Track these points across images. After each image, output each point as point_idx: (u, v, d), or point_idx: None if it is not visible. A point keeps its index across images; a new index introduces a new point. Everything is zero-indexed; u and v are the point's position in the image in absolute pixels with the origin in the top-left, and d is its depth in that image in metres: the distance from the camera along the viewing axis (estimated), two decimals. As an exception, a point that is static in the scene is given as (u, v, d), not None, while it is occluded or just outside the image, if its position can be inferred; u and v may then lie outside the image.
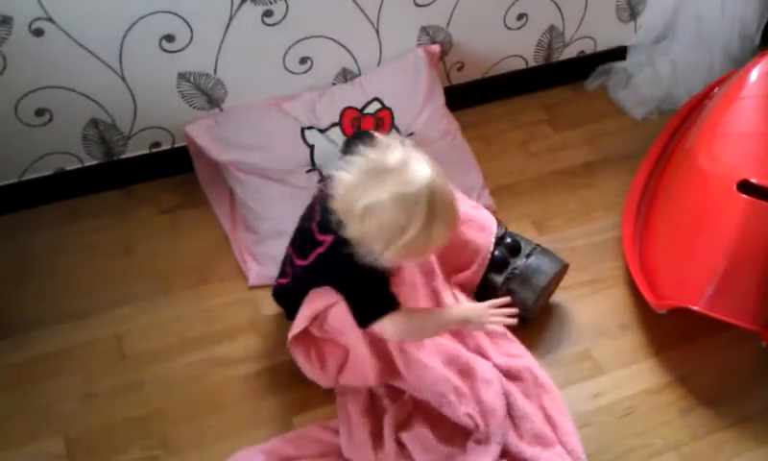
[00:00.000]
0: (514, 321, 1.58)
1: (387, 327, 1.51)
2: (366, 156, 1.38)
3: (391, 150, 1.38)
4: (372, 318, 1.51)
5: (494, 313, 1.57)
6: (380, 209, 1.34)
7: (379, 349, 1.61)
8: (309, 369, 1.64)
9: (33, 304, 1.82)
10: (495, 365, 1.66)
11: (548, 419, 1.61)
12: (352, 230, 1.39)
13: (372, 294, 1.51)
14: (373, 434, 1.57)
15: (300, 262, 1.61)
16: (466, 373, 1.63)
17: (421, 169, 1.36)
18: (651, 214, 1.95)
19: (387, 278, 1.51)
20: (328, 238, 1.49)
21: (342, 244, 1.42)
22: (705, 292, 1.67)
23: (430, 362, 1.60)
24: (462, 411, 1.57)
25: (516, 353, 1.70)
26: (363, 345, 1.58)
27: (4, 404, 1.65)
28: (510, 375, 1.65)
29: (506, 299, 1.62)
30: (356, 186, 1.37)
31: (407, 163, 1.36)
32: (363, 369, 1.62)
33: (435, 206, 1.34)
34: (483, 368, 1.63)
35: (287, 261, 1.68)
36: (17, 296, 1.84)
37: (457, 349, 1.66)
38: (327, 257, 1.51)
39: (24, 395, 1.66)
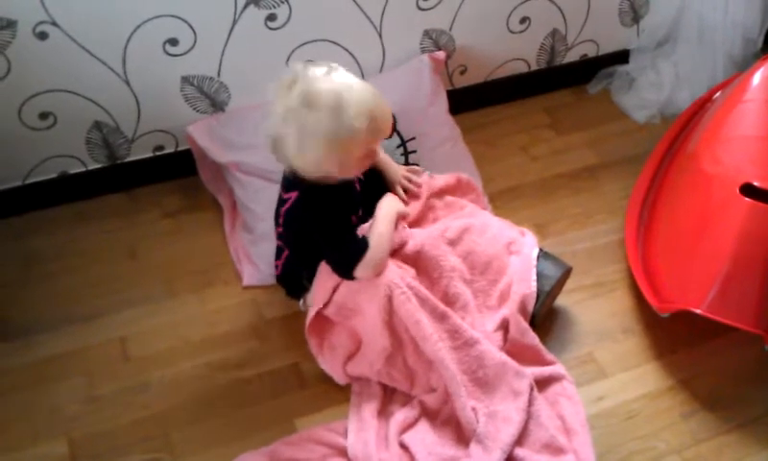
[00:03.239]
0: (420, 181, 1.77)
1: (363, 271, 1.59)
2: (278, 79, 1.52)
3: (294, 65, 1.52)
4: (351, 264, 1.59)
5: (401, 188, 1.75)
6: (295, 112, 1.47)
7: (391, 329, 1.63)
8: (323, 362, 1.69)
9: (37, 307, 1.83)
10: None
11: (566, 428, 1.60)
12: (287, 154, 1.51)
13: (343, 240, 1.60)
14: (379, 435, 1.57)
15: (278, 230, 1.69)
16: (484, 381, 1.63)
17: (319, 68, 1.50)
18: (653, 218, 1.95)
19: (350, 222, 1.65)
20: (293, 194, 1.61)
21: (305, 197, 1.57)
22: (707, 295, 1.67)
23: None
24: (469, 404, 1.58)
25: (549, 360, 1.70)
26: (377, 319, 1.61)
27: (8, 407, 1.65)
28: (537, 381, 1.65)
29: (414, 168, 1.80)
30: (276, 108, 1.50)
31: (306, 70, 1.50)
32: (372, 353, 1.64)
33: (342, 96, 1.46)
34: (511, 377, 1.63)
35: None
36: (21, 299, 1.84)
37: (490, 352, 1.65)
38: (293, 212, 1.62)
39: (28, 397, 1.67)
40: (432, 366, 1.61)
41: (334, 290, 1.64)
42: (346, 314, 1.66)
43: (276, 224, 1.71)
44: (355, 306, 1.64)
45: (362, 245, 1.59)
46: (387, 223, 1.65)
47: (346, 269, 1.60)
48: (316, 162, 1.51)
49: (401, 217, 1.70)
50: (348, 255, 1.60)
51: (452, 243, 1.72)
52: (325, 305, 1.65)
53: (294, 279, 1.76)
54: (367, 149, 1.56)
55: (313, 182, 1.57)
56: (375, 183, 1.77)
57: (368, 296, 1.61)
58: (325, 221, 1.60)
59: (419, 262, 1.68)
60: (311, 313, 1.67)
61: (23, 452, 1.58)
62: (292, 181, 1.60)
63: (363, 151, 1.55)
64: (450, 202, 1.83)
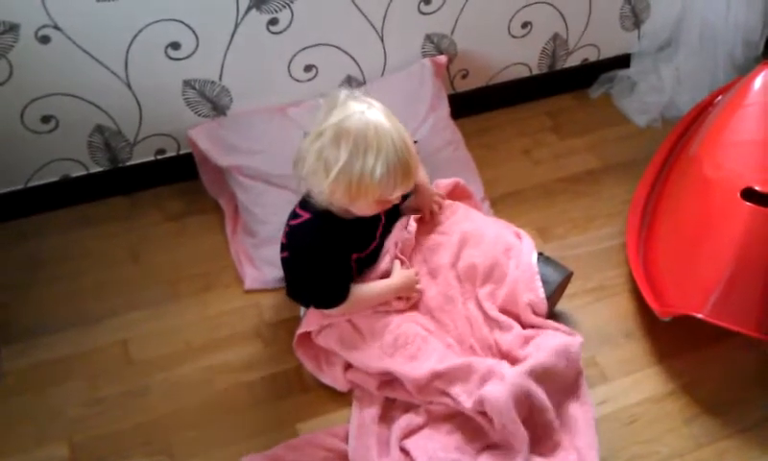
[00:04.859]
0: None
1: (337, 311, 1.64)
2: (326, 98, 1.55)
3: (340, 91, 1.54)
4: (327, 305, 1.64)
5: (414, 281, 1.70)
6: (324, 137, 1.50)
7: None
8: (324, 378, 1.70)
9: (38, 311, 1.83)
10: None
11: (571, 426, 1.61)
12: (302, 171, 1.55)
13: (328, 281, 1.63)
14: (380, 441, 1.57)
15: (283, 240, 1.71)
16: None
17: (359, 103, 1.51)
18: (655, 222, 1.95)
19: (346, 261, 1.67)
20: (306, 214, 1.62)
21: (315, 221, 1.59)
22: (709, 300, 1.67)
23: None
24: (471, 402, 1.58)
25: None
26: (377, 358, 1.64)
27: (10, 410, 1.65)
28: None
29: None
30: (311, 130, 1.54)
31: (348, 100, 1.51)
32: (367, 375, 1.66)
33: (367, 137, 1.47)
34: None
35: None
36: (23, 302, 1.85)
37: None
38: (297, 230, 1.63)
39: (30, 400, 1.67)
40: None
41: (325, 326, 1.67)
42: (340, 343, 1.68)
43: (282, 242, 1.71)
44: (352, 343, 1.67)
45: (341, 295, 1.64)
46: (386, 294, 1.68)
47: (317, 305, 1.66)
48: (326, 190, 1.52)
49: (407, 296, 1.70)
50: (324, 297, 1.65)
51: (453, 265, 1.74)
52: (317, 333, 1.68)
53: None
54: (381, 197, 1.55)
55: (324, 210, 1.58)
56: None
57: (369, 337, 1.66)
58: (317, 254, 1.61)
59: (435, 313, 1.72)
60: (298, 332, 1.69)
61: (25, 455, 1.58)
62: (308, 202, 1.62)
63: (376, 198, 1.54)
64: (446, 205, 1.83)
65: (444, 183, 1.86)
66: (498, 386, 1.52)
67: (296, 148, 1.59)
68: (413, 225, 1.75)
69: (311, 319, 1.68)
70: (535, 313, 1.71)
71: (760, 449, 1.63)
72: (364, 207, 1.57)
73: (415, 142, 1.97)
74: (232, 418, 1.65)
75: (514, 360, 1.64)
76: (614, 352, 1.79)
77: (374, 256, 1.73)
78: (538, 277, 1.73)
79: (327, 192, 1.52)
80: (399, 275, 1.70)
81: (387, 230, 1.76)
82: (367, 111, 1.50)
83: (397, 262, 1.73)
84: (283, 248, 1.70)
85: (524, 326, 1.71)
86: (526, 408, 1.54)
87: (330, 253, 1.62)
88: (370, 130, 1.48)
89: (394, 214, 1.77)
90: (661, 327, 1.79)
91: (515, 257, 1.76)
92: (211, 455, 1.59)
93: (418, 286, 1.72)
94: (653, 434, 1.65)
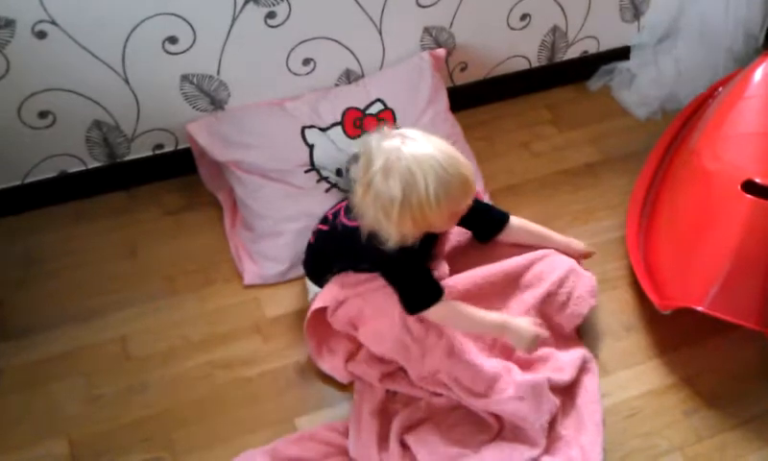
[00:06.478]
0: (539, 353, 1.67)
1: (432, 313, 1.59)
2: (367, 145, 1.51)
3: (372, 139, 1.50)
4: (421, 306, 1.58)
5: (535, 341, 1.59)
6: (374, 184, 1.47)
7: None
8: (322, 363, 1.70)
9: (37, 307, 1.83)
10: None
11: (577, 421, 1.61)
12: (366, 218, 1.51)
13: (419, 281, 1.59)
14: (380, 435, 1.57)
15: (321, 227, 1.71)
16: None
17: (406, 144, 1.48)
18: (655, 214, 1.95)
19: (428, 266, 1.64)
20: (354, 223, 1.59)
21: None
22: (709, 292, 1.67)
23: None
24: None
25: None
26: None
27: (9, 407, 1.65)
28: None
29: (545, 332, 1.63)
30: (359, 178, 1.51)
31: (380, 144, 1.48)
32: (370, 366, 1.66)
33: (411, 168, 1.44)
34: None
35: (331, 215, 1.72)
36: (21, 298, 1.84)
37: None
38: (356, 235, 1.57)
39: (29, 397, 1.67)
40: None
41: (340, 304, 1.65)
42: (353, 324, 1.67)
43: (347, 214, 1.65)
44: (364, 318, 1.66)
45: (438, 291, 1.58)
46: (490, 325, 1.61)
47: (415, 305, 1.59)
48: (393, 233, 1.49)
49: (529, 349, 1.61)
50: (422, 294, 1.59)
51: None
52: (332, 312, 1.66)
53: (317, 264, 1.76)
54: (449, 216, 1.53)
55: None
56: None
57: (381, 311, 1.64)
58: (400, 259, 1.57)
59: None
60: (312, 308, 1.67)
61: (23, 452, 1.58)
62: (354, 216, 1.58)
63: (446, 216, 1.52)
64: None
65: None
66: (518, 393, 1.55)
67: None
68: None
69: (327, 294, 1.66)
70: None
71: (761, 442, 1.62)
72: (439, 225, 1.56)
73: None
74: (232, 413, 1.65)
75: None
76: (615, 345, 1.78)
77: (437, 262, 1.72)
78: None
79: (396, 233, 1.49)
80: (519, 321, 1.61)
81: (438, 245, 1.74)
82: (402, 146, 1.47)
83: (527, 316, 1.66)
84: (319, 240, 1.70)
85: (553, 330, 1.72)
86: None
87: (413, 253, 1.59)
88: (410, 161, 1.45)
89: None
90: (662, 320, 1.79)
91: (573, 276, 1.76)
92: (211, 451, 1.59)
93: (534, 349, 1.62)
94: (653, 427, 1.64)
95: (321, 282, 1.73)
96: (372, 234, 1.53)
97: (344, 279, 1.67)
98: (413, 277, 1.60)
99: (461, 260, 1.76)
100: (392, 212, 1.47)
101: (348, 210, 1.61)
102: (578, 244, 1.82)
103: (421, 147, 1.48)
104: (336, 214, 1.69)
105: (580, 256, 1.82)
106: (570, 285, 1.73)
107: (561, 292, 1.72)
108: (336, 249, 1.69)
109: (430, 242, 1.66)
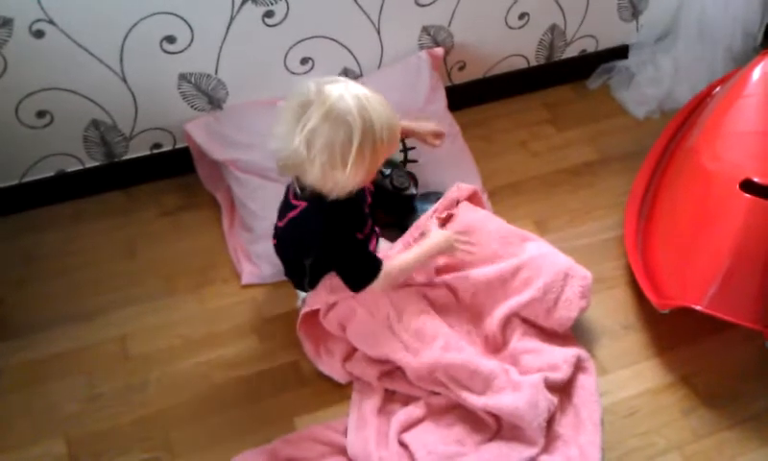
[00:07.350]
0: (475, 249, 1.71)
1: (377, 285, 1.62)
2: (286, 101, 1.49)
3: (303, 85, 1.48)
4: (363, 283, 1.62)
5: (458, 239, 1.69)
6: (319, 133, 1.43)
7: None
8: (321, 364, 1.70)
9: (35, 306, 1.82)
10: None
11: (576, 420, 1.61)
12: (311, 175, 1.48)
13: (356, 260, 1.62)
14: (379, 434, 1.57)
15: (278, 224, 1.68)
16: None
17: (334, 85, 1.46)
18: (653, 213, 1.95)
19: (361, 238, 1.65)
20: (301, 204, 1.58)
21: (313, 209, 1.55)
22: (707, 291, 1.67)
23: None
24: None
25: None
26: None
27: (8, 406, 1.65)
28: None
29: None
30: (290, 131, 1.46)
31: (321, 88, 1.46)
32: (368, 365, 1.66)
33: (367, 110, 1.45)
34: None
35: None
36: (20, 298, 1.84)
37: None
38: (298, 222, 1.60)
39: (28, 396, 1.67)
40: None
41: (331, 307, 1.66)
42: (344, 327, 1.68)
43: (278, 217, 1.67)
44: (353, 316, 1.67)
45: (376, 263, 1.62)
46: (423, 256, 1.66)
47: (358, 283, 1.63)
48: (345, 179, 1.47)
49: (449, 255, 1.70)
50: (361, 272, 1.62)
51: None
52: (324, 314, 1.67)
53: (298, 273, 1.75)
54: (381, 163, 1.55)
55: (330, 200, 1.54)
56: (382, 196, 1.80)
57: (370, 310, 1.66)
58: (340, 237, 1.60)
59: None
60: (302, 312, 1.68)
61: (22, 451, 1.58)
62: (305, 193, 1.56)
63: (379, 163, 1.54)
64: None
65: (464, 188, 1.85)
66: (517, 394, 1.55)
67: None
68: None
69: (316, 298, 1.67)
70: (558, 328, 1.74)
71: (759, 441, 1.63)
72: (367, 178, 1.55)
73: (412, 148, 1.97)
74: (230, 412, 1.65)
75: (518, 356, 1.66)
76: (613, 344, 1.78)
77: (370, 237, 1.72)
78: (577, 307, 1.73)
79: (345, 180, 1.48)
80: (436, 234, 1.68)
81: (372, 209, 1.74)
82: (347, 88, 1.46)
83: (434, 221, 1.73)
84: (287, 240, 1.68)
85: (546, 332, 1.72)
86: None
87: (350, 231, 1.62)
88: (363, 101, 1.46)
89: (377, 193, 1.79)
90: (660, 320, 1.79)
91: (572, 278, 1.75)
92: (209, 450, 1.59)
93: (462, 246, 1.70)
94: (651, 426, 1.65)
95: (300, 284, 1.75)
96: (315, 197, 1.53)
97: (332, 282, 1.67)
98: (352, 255, 1.62)
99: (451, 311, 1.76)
100: (347, 156, 1.44)
101: (295, 194, 1.59)
102: (426, 126, 1.84)
103: (363, 89, 1.49)
104: (285, 205, 1.66)
105: (429, 135, 1.82)
106: (557, 290, 1.71)
107: (547, 298, 1.70)
108: (288, 246, 1.70)
109: (361, 205, 1.66)
